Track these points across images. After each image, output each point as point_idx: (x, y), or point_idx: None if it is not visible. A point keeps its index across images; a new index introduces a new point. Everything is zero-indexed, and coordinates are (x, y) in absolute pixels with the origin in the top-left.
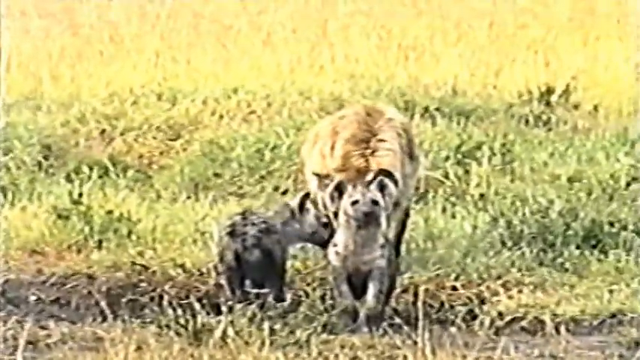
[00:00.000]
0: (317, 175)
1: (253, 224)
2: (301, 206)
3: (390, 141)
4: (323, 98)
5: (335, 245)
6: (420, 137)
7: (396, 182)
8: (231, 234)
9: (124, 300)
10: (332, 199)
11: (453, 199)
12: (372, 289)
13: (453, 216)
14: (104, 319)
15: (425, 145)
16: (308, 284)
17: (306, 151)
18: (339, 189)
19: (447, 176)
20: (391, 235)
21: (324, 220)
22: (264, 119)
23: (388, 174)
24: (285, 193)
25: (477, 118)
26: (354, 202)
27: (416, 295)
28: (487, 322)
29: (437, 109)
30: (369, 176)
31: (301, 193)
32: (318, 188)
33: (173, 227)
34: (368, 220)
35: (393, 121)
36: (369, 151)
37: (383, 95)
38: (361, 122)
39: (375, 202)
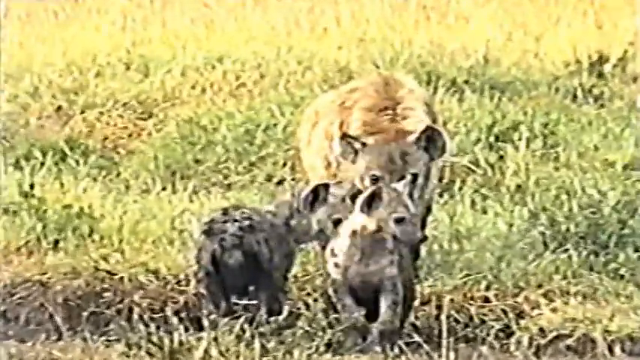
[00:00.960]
0: (343, 137)
1: (235, 221)
2: (313, 200)
3: (419, 111)
4: (326, 68)
5: (334, 255)
6: (444, 116)
7: (444, 146)
8: (208, 233)
9: (84, 313)
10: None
11: (484, 190)
12: (384, 302)
13: (484, 211)
14: (60, 336)
15: (450, 125)
16: (308, 294)
17: (305, 133)
18: (371, 198)
19: (477, 163)
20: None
21: (337, 216)
22: (255, 93)
23: (437, 132)
24: (280, 183)
25: (514, 92)
26: (399, 220)
27: (439, 307)
28: (525, 340)
29: (465, 82)
30: (412, 136)
31: (313, 184)
32: (341, 155)
33: (144, 225)
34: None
35: (415, 93)
36: (398, 117)
37: (399, 65)
38: (380, 91)
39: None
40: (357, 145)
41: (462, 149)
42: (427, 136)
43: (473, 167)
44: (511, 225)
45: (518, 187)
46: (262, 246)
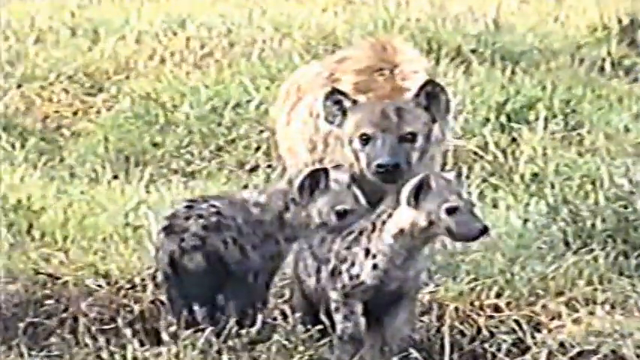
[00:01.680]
0: (331, 92)
1: (199, 216)
2: (312, 188)
3: (422, 74)
4: (308, 35)
5: (372, 256)
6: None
7: (447, 105)
8: (168, 230)
9: (21, 324)
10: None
11: (494, 180)
12: (402, 314)
13: (495, 204)
14: None
15: (454, 105)
16: (285, 301)
17: (283, 112)
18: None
19: (485, 147)
20: None
21: (342, 206)
22: (224, 64)
23: (439, 88)
24: (253, 170)
25: (530, 63)
26: (452, 210)
27: (441, 317)
28: (543, 356)
29: (472, 51)
30: (410, 92)
31: (310, 169)
32: (327, 118)
33: (93, 220)
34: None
35: (415, 61)
36: (397, 77)
37: (394, 31)
38: (376, 55)
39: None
40: (347, 104)
41: (469, 131)
42: (427, 92)
43: (481, 152)
44: (526, 220)
45: (535, 175)
46: (230, 247)
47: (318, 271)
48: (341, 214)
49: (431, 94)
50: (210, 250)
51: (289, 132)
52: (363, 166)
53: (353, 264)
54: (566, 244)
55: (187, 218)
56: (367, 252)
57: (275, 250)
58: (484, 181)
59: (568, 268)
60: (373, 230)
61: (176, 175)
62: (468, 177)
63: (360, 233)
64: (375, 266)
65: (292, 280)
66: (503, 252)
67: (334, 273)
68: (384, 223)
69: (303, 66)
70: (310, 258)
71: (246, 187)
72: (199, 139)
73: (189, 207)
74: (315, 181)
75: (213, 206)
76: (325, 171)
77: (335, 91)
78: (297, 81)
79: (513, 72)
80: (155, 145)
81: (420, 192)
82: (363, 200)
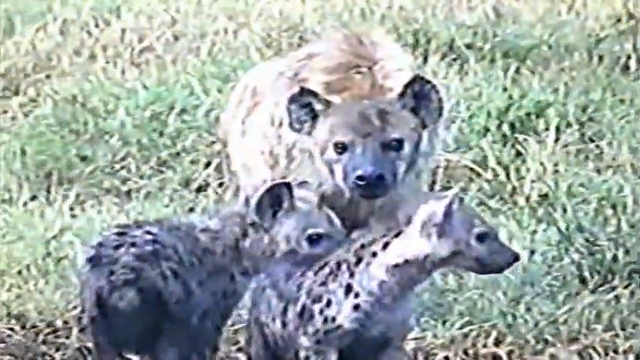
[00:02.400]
0: (299, 93)
1: (132, 245)
2: (275, 207)
3: (407, 73)
4: (269, 26)
5: (355, 293)
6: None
7: (439, 107)
8: (94, 262)
9: None
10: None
11: (494, 202)
12: None
13: None
14: None
15: (448, 107)
16: (240, 349)
17: (237, 119)
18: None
19: (484, 163)
20: None
21: (316, 230)
22: (167, 61)
23: (430, 86)
24: (202, 189)
25: (538, 61)
26: (482, 236)
27: None
28: None
29: (468, 47)
30: (394, 92)
31: (269, 184)
32: (293, 124)
33: (6, 249)
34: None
35: (398, 58)
36: (377, 75)
37: (373, 21)
38: (350, 50)
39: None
40: (318, 106)
41: (464, 143)
42: (415, 91)
43: (478, 169)
44: (532, 252)
45: (544, 197)
46: (170, 281)
47: (285, 312)
48: (314, 240)
49: (420, 94)
50: (146, 285)
51: (244, 144)
52: (339, 180)
53: (329, 304)
54: (582, 280)
55: (117, 247)
56: (348, 289)
57: (228, 287)
58: (482, 203)
59: (583, 310)
60: (358, 262)
61: (108, 195)
62: (462, 199)
63: (339, 266)
64: (356, 307)
65: (249, 324)
66: (504, 290)
67: (304, 315)
68: (374, 254)
69: (262, 64)
70: (275, 297)
71: (192, 210)
72: (137, 151)
73: (120, 234)
74: (278, 198)
75: (150, 233)
76: (288, 186)
77: (303, 91)
78: (254, 82)
79: (518, 71)
80: (83, 159)
81: (446, 221)
82: (338, 223)
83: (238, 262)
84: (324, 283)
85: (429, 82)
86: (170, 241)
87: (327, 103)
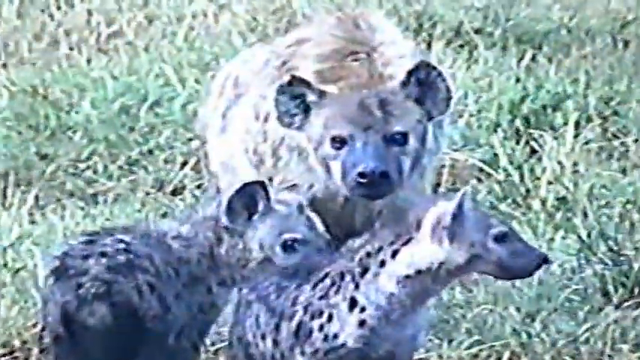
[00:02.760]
0: (289, 83)
1: (102, 254)
2: (250, 208)
3: (409, 59)
4: (253, 8)
5: (361, 308)
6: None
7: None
8: (59, 274)
9: None
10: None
11: (505, 206)
12: None
13: None
14: None
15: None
16: None
17: (216, 113)
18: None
19: (495, 162)
20: None
21: (293, 235)
22: (139, 47)
23: (436, 74)
24: (177, 192)
25: (556, 47)
26: (502, 237)
27: None
28: None
29: (477, 31)
30: (397, 80)
31: (241, 183)
32: (281, 118)
33: None
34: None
35: (399, 44)
36: (376, 62)
37: (371, 3)
38: (344, 35)
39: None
40: (311, 97)
41: (472, 140)
42: (419, 79)
43: (488, 169)
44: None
45: (561, 200)
46: (146, 295)
47: (277, 330)
48: (289, 246)
49: (425, 82)
50: (119, 299)
51: (225, 141)
52: (337, 179)
53: (330, 319)
54: (605, 294)
55: (86, 257)
56: (353, 303)
57: (205, 300)
58: (492, 207)
59: (607, 328)
60: (364, 273)
61: (72, 198)
62: (475, 199)
63: (342, 277)
64: (362, 323)
65: (231, 343)
66: (517, 305)
67: (301, 332)
68: (382, 263)
69: (246, 51)
70: (264, 313)
71: (166, 215)
72: (104, 149)
73: (88, 242)
74: (252, 199)
75: (122, 241)
76: (263, 185)
77: (294, 80)
78: (237, 71)
79: (534, 59)
80: (44, 157)
81: (455, 220)
82: (320, 227)
83: (215, 271)
84: (324, 297)
85: (434, 68)
86: (144, 250)
87: (322, 94)
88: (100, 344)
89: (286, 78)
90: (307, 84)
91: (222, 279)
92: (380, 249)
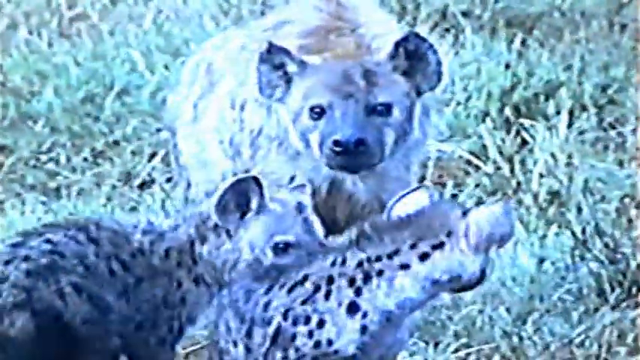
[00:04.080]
0: (268, 50)
1: (25, 259)
2: (243, 205)
3: (395, 36)
4: None
5: (363, 313)
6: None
7: (438, 71)
8: None
9: None
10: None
11: (493, 200)
12: None
13: None
14: None
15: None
16: None
17: (187, 102)
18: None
19: (483, 154)
20: None
21: (285, 237)
22: (104, 30)
23: (426, 45)
24: (145, 186)
25: (549, 32)
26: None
27: None
28: None
29: (464, 14)
30: (384, 51)
31: (238, 177)
32: (265, 89)
33: None
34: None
35: (383, 24)
36: (362, 37)
37: None
38: (327, 15)
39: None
40: (292, 67)
41: (460, 130)
42: (408, 50)
43: (477, 161)
44: (542, 260)
45: (554, 194)
46: (73, 298)
47: (249, 336)
48: (280, 249)
49: (414, 54)
50: (40, 307)
51: (197, 132)
52: (315, 150)
53: (321, 325)
54: (601, 294)
55: (7, 263)
56: (352, 308)
57: (171, 294)
58: (480, 202)
59: (603, 330)
60: (367, 278)
61: (33, 192)
62: (455, 196)
63: (330, 281)
64: (364, 329)
65: (210, 350)
66: (508, 305)
67: (279, 338)
68: (404, 267)
69: (219, 35)
70: (233, 318)
71: (135, 209)
72: (67, 140)
73: (15, 245)
74: (245, 197)
75: (49, 242)
76: (257, 181)
77: (272, 48)
78: (209, 57)
79: (524, 44)
80: (2, 149)
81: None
82: (318, 230)
83: (189, 267)
84: (307, 302)
85: (424, 40)
86: (74, 249)
87: (302, 64)
88: (26, 356)
89: (264, 46)
90: (287, 52)
91: (198, 276)
92: (396, 252)
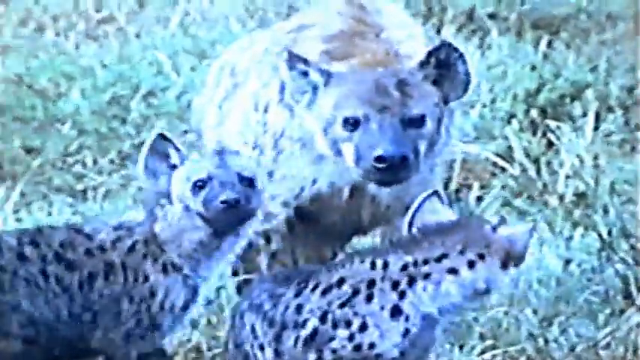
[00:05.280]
0: (289, 57)
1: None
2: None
3: (421, 40)
4: None
5: (406, 317)
6: None
7: (466, 80)
8: None
9: None
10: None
11: (520, 202)
12: None
13: None
14: None
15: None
16: None
17: (213, 104)
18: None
19: (510, 155)
20: None
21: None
22: (130, 33)
23: (457, 55)
24: None
25: (575, 33)
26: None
27: None
28: None
29: (491, 16)
30: (415, 59)
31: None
32: (293, 96)
33: None
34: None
35: (408, 28)
36: (388, 41)
37: None
38: (351, 19)
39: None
40: (317, 77)
41: (486, 131)
42: (439, 59)
43: (502, 163)
44: (568, 261)
45: (580, 196)
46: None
47: (278, 340)
48: (197, 187)
49: (444, 63)
50: None
51: (222, 134)
52: (349, 162)
53: (363, 328)
54: (627, 295)
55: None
56: (396, 311)
57: (137, 290)
58: (507, 204)
59: (629, 332)
60: (426, 277)
61: (60, 194)
62: (480, 198)
63: (371, 285)
64: (406, 332)
65: (227, 346)
66: (534, 307)
67: (315, 340)
68: (453, 271)
69: (242, 39)
70: (260, 322)
71: None
72: (94, 142)
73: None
74: (165, 155)
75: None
76: (167, 137)
77: (292, 57)
78: (234, 59)
79: (550, 45)
80: (30, 150)
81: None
82: (234, 166)
83: (156, 257)
84: (345, 305)
85: (456, 49)
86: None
87: (324, 72)
88: None
89: (284, 54)
90: (305, 61)
91: (166, 264)
92: (445, 256)
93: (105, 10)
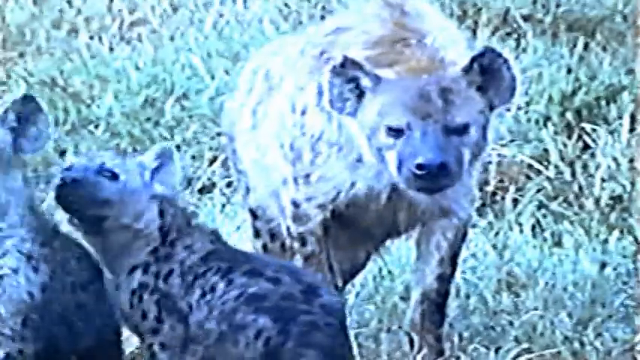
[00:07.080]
0: (342, 64)
1: None
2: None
3: (463, 43)
4: None
5: None
6: None
7: (512, 86)
8: None
9: None
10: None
11: (556, 205)
12: None
13: (558, 242)
14: None
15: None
16: None
17: (246, 107)
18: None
19: (545, 158)
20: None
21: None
22: (164, 35)
23: (502, 60)
24: (205, 190)
25: (610, 35)
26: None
27: None
28: None
29: (526, 19)
30: (459, 66)
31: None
32: (335, 102)
33: None
34: None
35: (449, 31)
36: (431, 46)
37: None
38: (392, 23)
39: None
40: (366, 81)
41: (520, 134)
42: (483, 65)
43: (538, 165)
44: (604, 265)
45: (616, 199)
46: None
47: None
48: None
49: (489, 69)
50: None
51: (257, 137)
52: (392, 169)
53: None
54: None
55: None
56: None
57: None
58: (542, 206)
59: None
60: None
61: None
62: (516, 201)
63: None
64: None
65: None
66: (569, 310)
67: None
68: None
69: (278, 40)
70: None
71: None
72: (128, 144)
73: None
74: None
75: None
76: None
77: (346, 62)
78: (268, 63)
79: (586, 48)
80: (63, 153)
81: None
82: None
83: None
84: None
85: (500, 55)
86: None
87: (377, 78)
88: None
89: (339, 59)
90: (360, 67)
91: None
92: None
93: (138, 12)
